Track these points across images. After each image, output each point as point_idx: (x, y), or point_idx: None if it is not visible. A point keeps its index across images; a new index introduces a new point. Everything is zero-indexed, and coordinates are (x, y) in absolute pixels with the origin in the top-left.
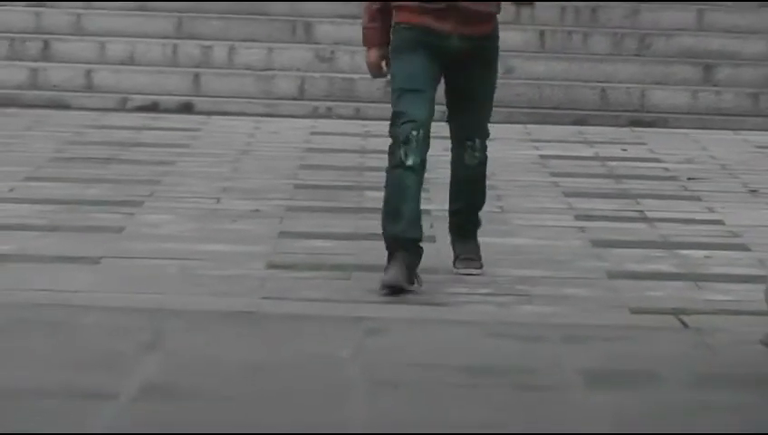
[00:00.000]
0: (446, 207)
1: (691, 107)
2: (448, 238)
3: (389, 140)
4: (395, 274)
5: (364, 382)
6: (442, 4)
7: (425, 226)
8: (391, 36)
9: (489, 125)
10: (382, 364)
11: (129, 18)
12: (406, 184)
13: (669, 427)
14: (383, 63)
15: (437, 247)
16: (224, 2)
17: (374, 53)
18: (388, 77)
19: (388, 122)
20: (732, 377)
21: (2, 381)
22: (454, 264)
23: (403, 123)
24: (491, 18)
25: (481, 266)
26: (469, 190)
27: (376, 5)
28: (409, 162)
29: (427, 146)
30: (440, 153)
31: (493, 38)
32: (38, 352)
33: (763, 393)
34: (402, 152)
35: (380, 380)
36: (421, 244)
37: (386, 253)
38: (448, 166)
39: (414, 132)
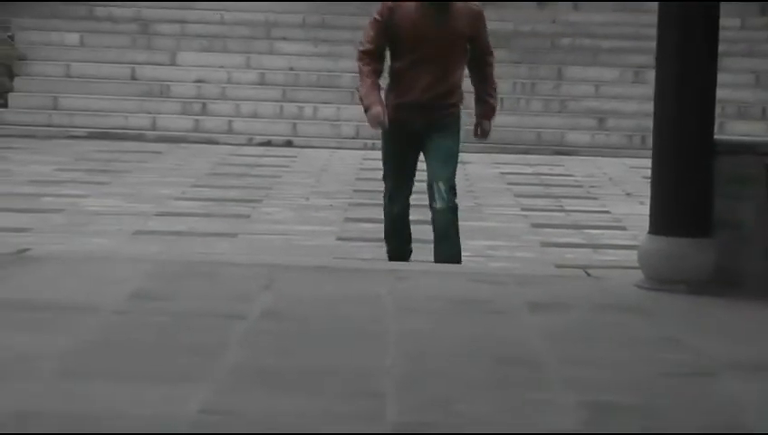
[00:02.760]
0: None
1: (591, 144)
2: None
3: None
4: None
5: (395, 309)
6: (413, 102)
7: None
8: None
9: (473, 155)
10: (406, 298)
11: (254, 90)
12: (396, 222)
13: (579, 334)
14: (383, 116)
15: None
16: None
17: (377, 109)
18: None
19: None
20: (617, 306)
21: (175, 308)
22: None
23: (390, 198)
24: (451, 107)
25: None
26: (446, 245)
27: (369, 81)
28: (396, 211)
29: (408, 207)
30: None
31: (453, 115)
32: (199, 290)
33: (635, 315)
34: (390, 211)
35: (405, 307)
36: (411, 253)
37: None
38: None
39: (397, 206)
